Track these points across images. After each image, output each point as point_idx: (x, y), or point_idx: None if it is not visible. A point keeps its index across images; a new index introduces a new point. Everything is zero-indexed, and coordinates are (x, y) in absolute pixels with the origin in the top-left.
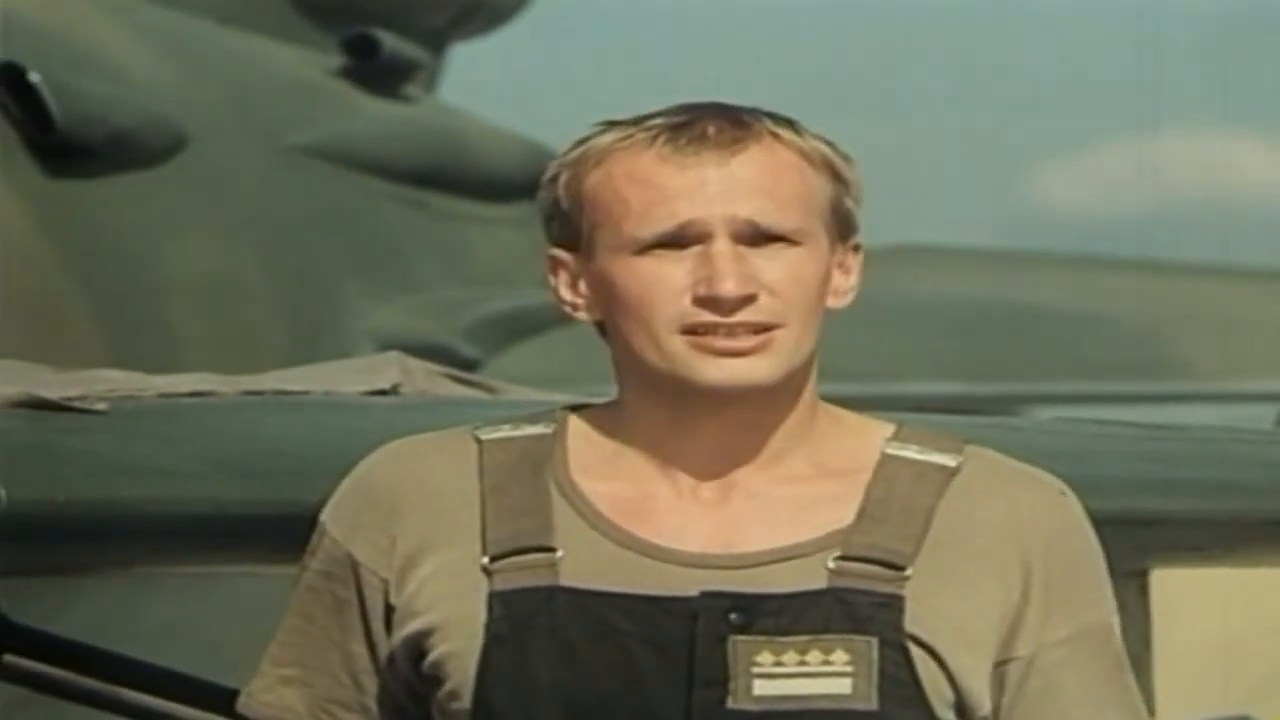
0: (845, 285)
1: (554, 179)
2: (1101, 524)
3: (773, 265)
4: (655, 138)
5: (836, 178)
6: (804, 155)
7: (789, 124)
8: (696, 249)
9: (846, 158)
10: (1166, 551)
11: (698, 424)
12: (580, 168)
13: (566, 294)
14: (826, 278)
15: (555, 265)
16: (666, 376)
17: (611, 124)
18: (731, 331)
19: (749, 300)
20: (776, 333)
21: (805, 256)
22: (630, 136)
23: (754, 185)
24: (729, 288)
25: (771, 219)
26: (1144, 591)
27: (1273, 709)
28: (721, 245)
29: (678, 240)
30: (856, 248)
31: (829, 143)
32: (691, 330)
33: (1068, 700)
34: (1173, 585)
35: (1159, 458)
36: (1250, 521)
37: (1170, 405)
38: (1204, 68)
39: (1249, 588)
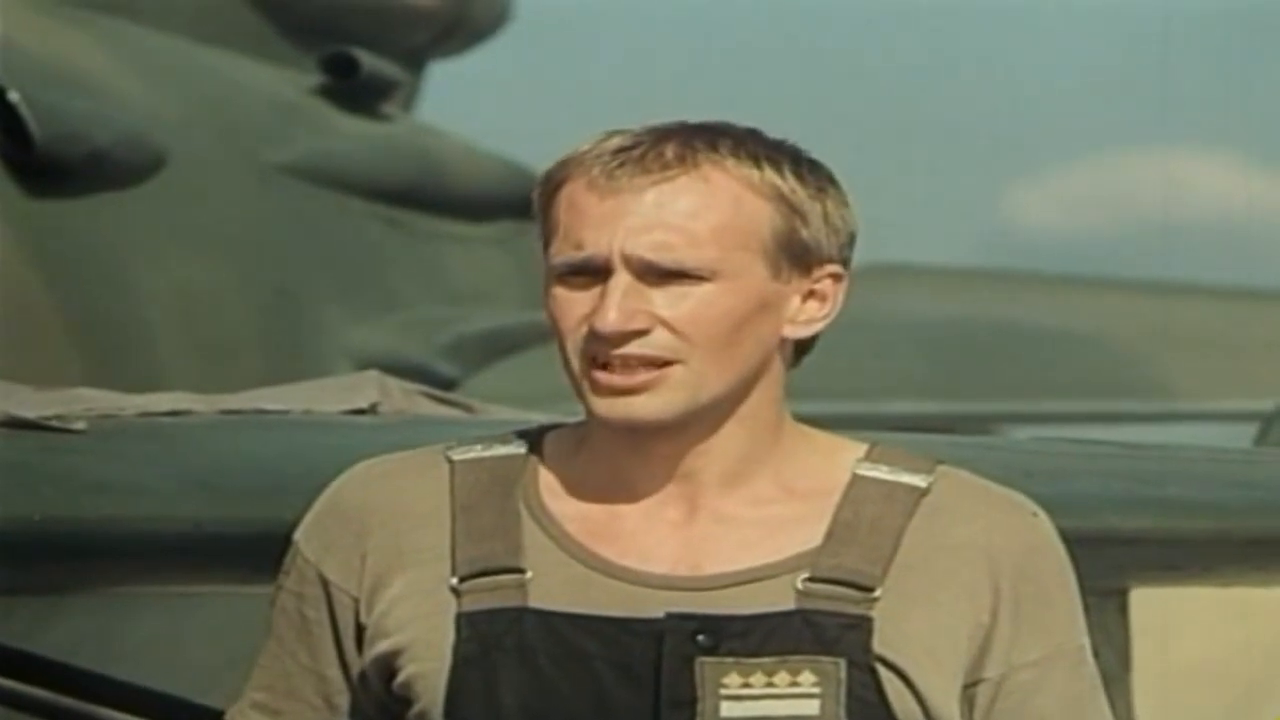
0: (814, 314)
1: (539, 186)
2: (1080, 543)
3: (674, 301)
4: (598, 159)
5: (790, 210)
6: (748, 185)
7: (756, 149)
8: (604, 280)
9: (819, 187)
10: (1145, 571)
11: (647, 446)
12: (548, 182)
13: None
14: (763, 309)
15: (544, 270)
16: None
17: (609, 134)
18: (625, 365)
19: (637, 334)
20: (673, 369)
21: (719, 292)
22: (587, 153)
23: (666, 219)
24: (610, 320)
25: (673, 255)
26: (1123, 611)
27: None
28: (618, 279)
29: (586, 269)
30: (836, 276)
31: (803, 170)
32: (592, 363)
33: None
34: (1152, 605)
35: (1137, 477)
36: (1229, 541)
37: (1148, 424)
38: (1182, 86)
39: (1228, 607)
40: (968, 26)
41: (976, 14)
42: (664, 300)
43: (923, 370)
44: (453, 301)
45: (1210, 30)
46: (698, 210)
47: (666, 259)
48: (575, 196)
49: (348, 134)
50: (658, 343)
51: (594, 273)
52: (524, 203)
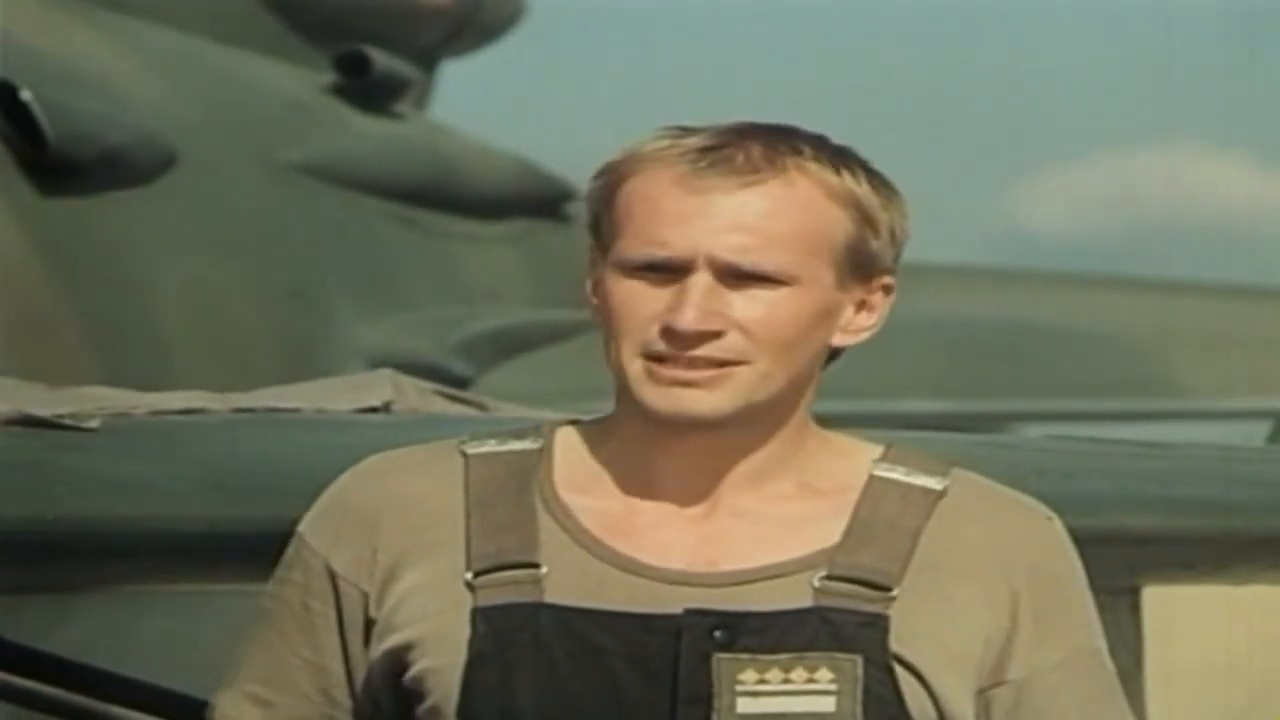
0: (863, 324)
1: (599, 176)
2: (1093, 542)
3: (750, 304)
4: (683, 156)
5: (863, 218)
6: (828, 192)
7: (833, 156)
8: (681, 278)
9: (888, 197)
10: (1158, 569)
11: (678, 441)
12: (619, 170)
13: (589, 289)
14: (824, 317)
15: (591, 260)
16: (631, 396)
17: (681, 130)
18: (691, 363)
19: (712, 336)
20: (738, 368)
21: (792, 297)
22: (667, 149)
23: (749, 222)
24: (688, 320)
25: (754, 258)
26: (1136, 609)
27: None
28: (698, 279)
29: (665, 267)
30: (887, 288)
31: (875, 179)
32: (653, 355)
33: None
34: (1165, 603)
35: (1150, 475)
36: (1242, 539)
37: (1162, 423)
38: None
39: (1241, 606)
40: (977, 26)
41: (985, 13)
42: (740, 302)
43: (934, 369)
44: (466, 300)
45: (1217, 28)
46: (781, 214)
47: (748, 262)
48: (654, 192)
49: (360, 133)
50: (729, 345)
51: (671, 270)
52: (537, 201)
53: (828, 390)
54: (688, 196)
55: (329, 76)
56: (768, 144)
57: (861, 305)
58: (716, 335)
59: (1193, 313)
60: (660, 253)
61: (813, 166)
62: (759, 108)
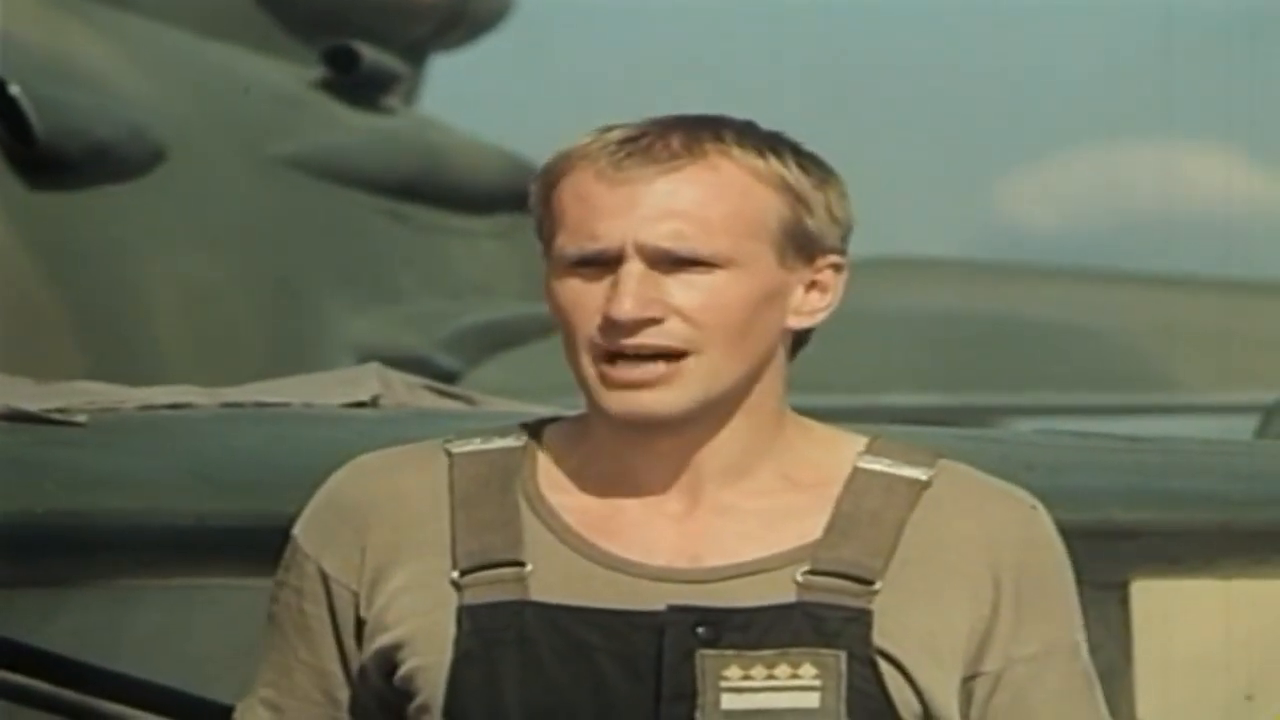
0: (816, 304)
1: (536, 180)
2: (1081, 536)
3: (688, 290)
4: (603, 150)
5: (796, 199)
6: (755, 175)
7: (758, 140)
8: (615, 270)
9: (822, 179)
10: (1147, 563)
11: (650, 441)
12: (549, 174)
13: (547, 297)
14: (771, 298)
15: (545, 264)
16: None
17: (608, 128)
18: (638, 357)
19: (651, 323)
20: (686, 361)
21: (731, 280)
22: (590, 145)
23: (678, 208)
24: (626, 308)
25: (688, 243)
26: (1124, 603)
27: None
28: (630, 268)
29: (598, 260)
30: (837, 267)
31: (805, 161)
32: (602, 356)
33: (1034, 716)
34: (1153, 597)
35: (1139, 469)
36: (1230, 533)
37: (1150, 417)
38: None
39: (1230, 599)
40: (972, 18)
41: (978, 6)
42: (677, 288)
43: (924, 363)
44: (454, 294)
45: (1212, 21)
46: (708, 199)
47: (681, 247)
48: (581, 187)
49: (349, 127)
50: (672, 332)
51: (606, 263)
52: (525, 196)
53: (815, 384)
54: (612, 190)
55: (317, 71)
56: (689, 132)
57: (812, 286)
58: (656, 322)
59: (1182, 307)
60: (591, 246)
61: (736, 151)
62: (748, 101)
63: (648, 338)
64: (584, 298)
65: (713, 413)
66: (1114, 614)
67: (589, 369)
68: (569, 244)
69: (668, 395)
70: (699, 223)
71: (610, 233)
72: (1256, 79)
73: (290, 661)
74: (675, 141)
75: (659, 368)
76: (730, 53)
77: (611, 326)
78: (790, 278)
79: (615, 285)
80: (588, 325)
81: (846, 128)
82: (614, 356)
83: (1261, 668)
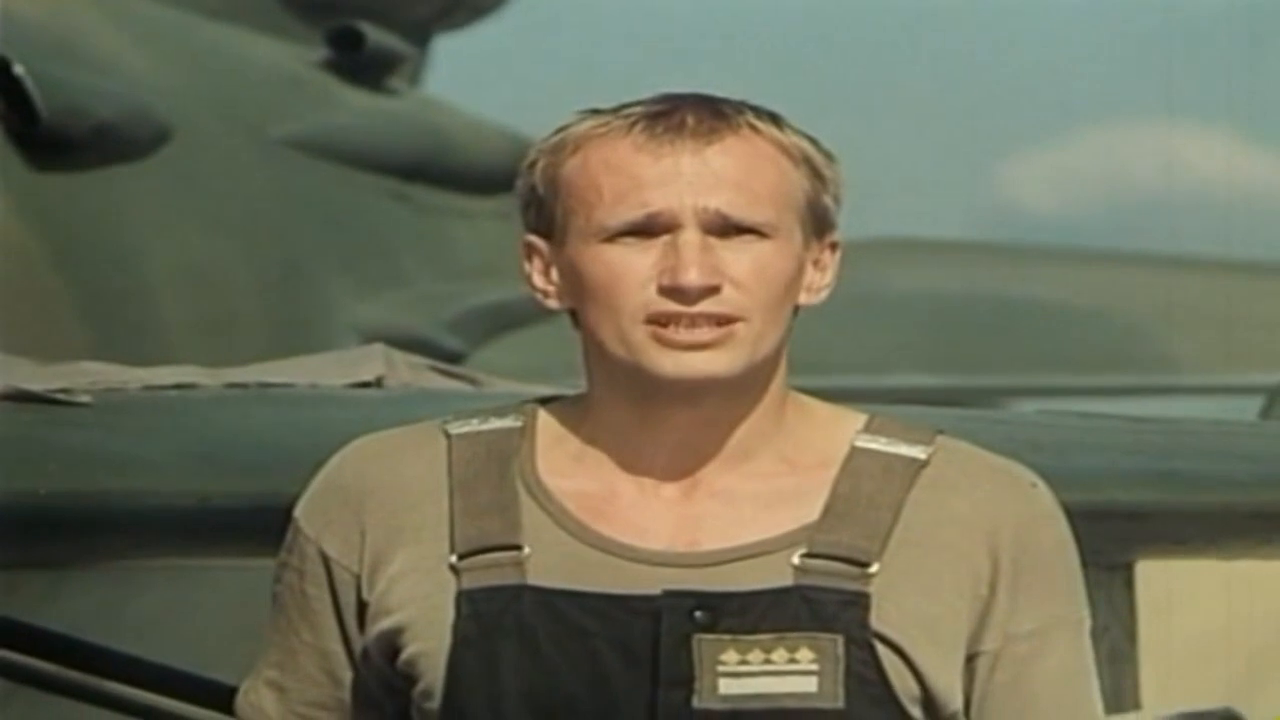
0: (819, 282)
1: (532, 165)
2: (1085, 517)
3: (740, 258)
4: (633, 126)
5: (815, 174)
6: (782, 149)
7: (771, 117)
8: (664, 239)
9: (828, 155)
10: (1151, 544)
11: (663, 418)
12: (558, 154)
13: (539, 281)
14: (798, 273)
15: (530, 252)
16: (629, 368)
17: (592, 112)
18: (693, 323)
19: (712, 291)
20: (737, 326)
21: (774, 251)
22: (608, 124)
23: (727, 176)
24: (692, 277)
25: (742, 211)
26: (1129, 584)
27: (1257, 701)
28: (689, 235)
29: (646, 229)
30: (834, 245)
31: (811, 139)
32: (655, 320)
33: (1033, 694)
34: (1158, 578)
35: (1143, 450)
36: (1235, 514)
37: (1154, 398)
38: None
39: (1234, 580)
40: (974, 1)
41: None
42: (731, 256)
43: (927, 344)
44: (458, 275)
45: (1213, 2)
46: (752, 169)
47: (738, 214)
48: (616, 159)
49: (353, 108)
50: (728, 299)
51: (653, 232)
52: None
53: (818, 365)
54: (656, 161)
55: (321, 51)
56: (708, 106)
57: (816, 264)
58: (716, 290)
59: (1186, 288)
60: (641, 213)
61: (761, 125)
62: (752, 82)
63: (708, 305)
64: (631, 266)
65: (741, 386)
66: (1118, 594)
67: (636, 333)
68: (610, 215)
69: (722, 357)
70: (748, 192)
71: (664, 199)
72: (1258, 61)
73: (293, 642)
74: (705, 113)
75: (714, 331)
76: (733, 34)
77: (676, 293)
78: (806, 255)
79: (673, 253)
80: (639, 293)
81: (849, 110)
82: (667, 320)
83: (1265, 647)
